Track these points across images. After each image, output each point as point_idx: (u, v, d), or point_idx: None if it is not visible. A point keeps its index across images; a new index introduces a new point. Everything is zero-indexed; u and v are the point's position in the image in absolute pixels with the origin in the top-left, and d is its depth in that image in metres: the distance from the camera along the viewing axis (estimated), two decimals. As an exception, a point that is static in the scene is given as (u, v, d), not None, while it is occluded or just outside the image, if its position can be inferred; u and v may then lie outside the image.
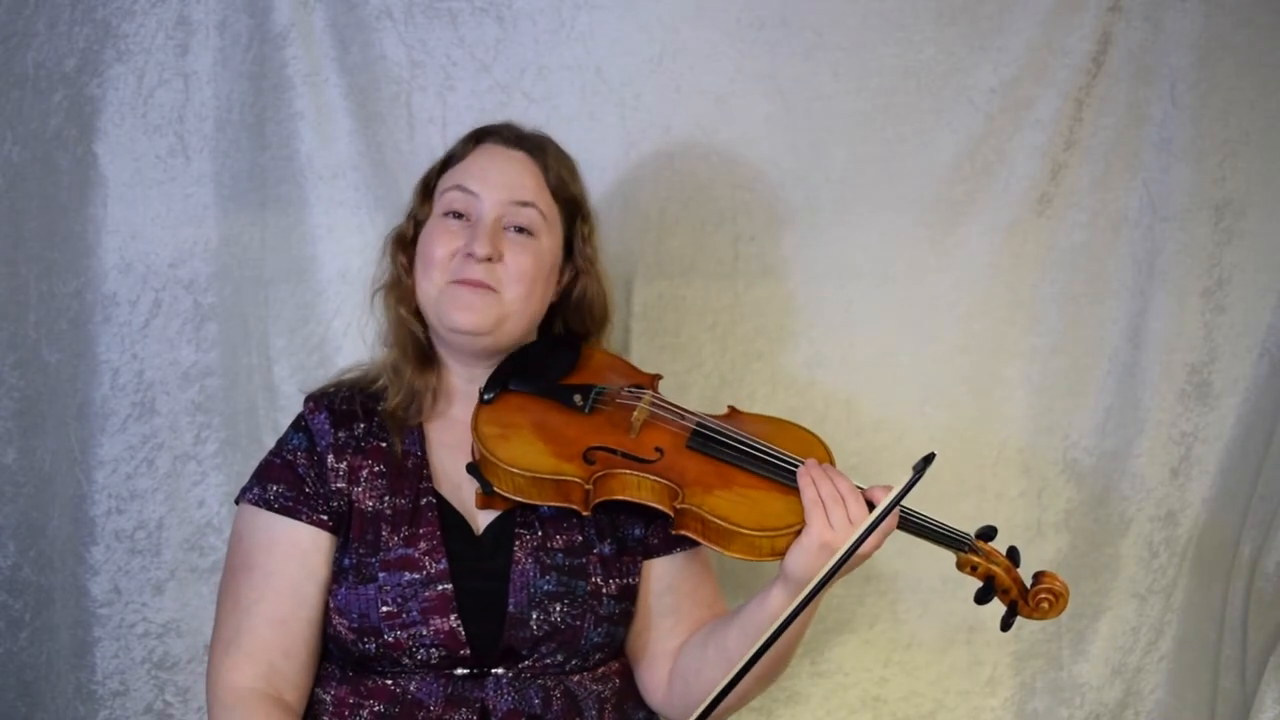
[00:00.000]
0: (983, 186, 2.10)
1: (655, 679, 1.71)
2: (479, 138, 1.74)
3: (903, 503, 1.55)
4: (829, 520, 1.52)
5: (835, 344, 2.11)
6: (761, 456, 1.62)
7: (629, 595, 1.67)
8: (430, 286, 1.67)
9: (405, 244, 1.75)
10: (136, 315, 2.04)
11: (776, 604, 1.55)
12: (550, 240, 1.71)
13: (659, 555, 1.70)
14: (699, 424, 1.66)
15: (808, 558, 1.52)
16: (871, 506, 1.54)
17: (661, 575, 1.71)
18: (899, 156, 2.09)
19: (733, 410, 1.76)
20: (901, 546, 2.13)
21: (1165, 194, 2.11)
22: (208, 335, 2.07)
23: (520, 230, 1.68)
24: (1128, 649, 2.18)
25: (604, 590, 1.64)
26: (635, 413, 1.66)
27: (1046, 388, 2.13)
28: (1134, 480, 2.15)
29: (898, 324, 2.11)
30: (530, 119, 2.03)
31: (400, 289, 1.74)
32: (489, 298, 1.66)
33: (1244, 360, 2.14)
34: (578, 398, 1.68)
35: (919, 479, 1.51)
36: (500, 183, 1.68)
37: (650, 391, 1.72)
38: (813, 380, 2.12)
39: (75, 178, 2.03)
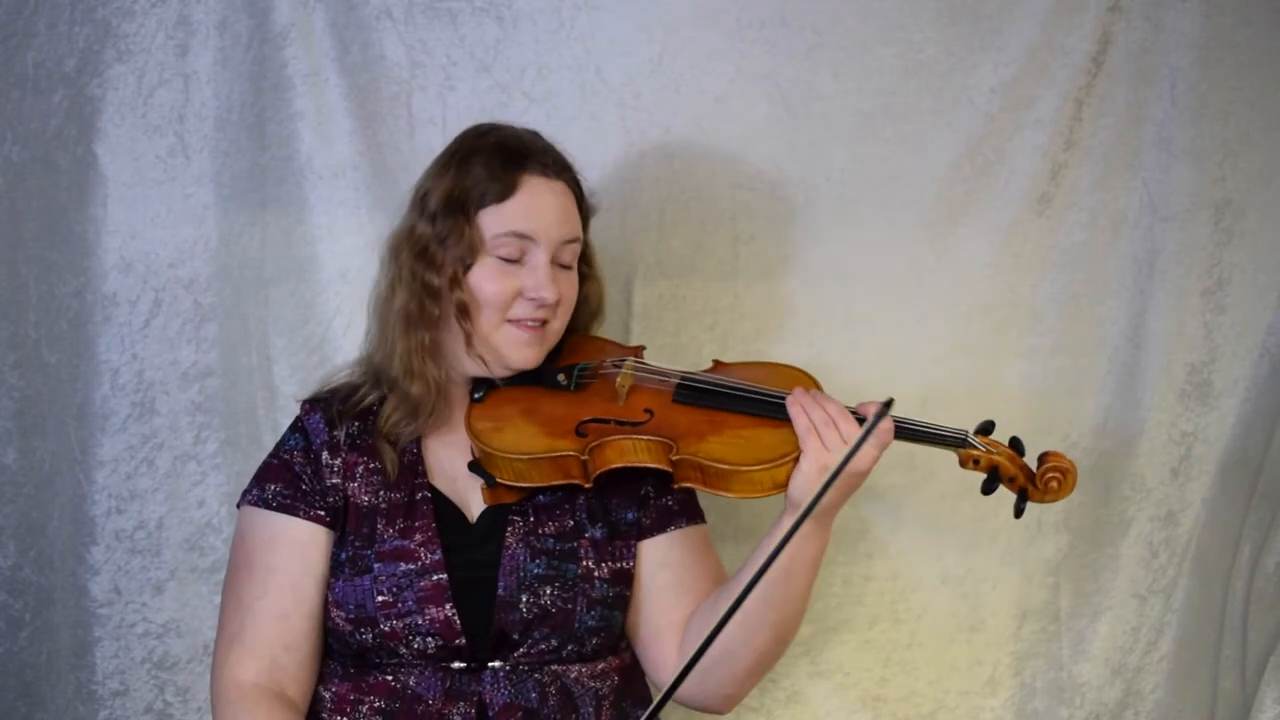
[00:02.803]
0: (983, 186, 2.10)
1: (664, 654, 1.71)
2: (517, 164, 1.67)
3: (897, 412, 1.55)
4: (824, 443, 1.54)
5: (835, 344, 2.11)
6: (746, 396, 1.64)
7: (623, 579, 1.68)
8: (485, 324, 1.66)
9: (445, 274, 1.65)
10: (136, 315, 2.05)
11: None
12: (576, 262, 1.74)
13: (652, 535, 1.72)
14: (683, 378, 1.69)
15: (810, 484, 1.53)
16: (862, 422, 1.55)
17: (656, 553, 1.72)
18: (899, 156, 2.09)
19: (717, 363, 1.80)
20: (902, 546, 2.14)
21: (1165, 194, 2.11)
22: (208, 335, 2.07)
23: (562, 263, 1.70)
24: (1128, 649, 2.17)
25: (596, 573, 1.65)
26: (618, 380, 1.70)
27: (1046, 388, 2.13)
28: (1134, 480, 2.15)
29: (898, 324, 2.11)
30: (530, 119, 2.02)
31: (435, 325, 1.67)
32: (545, 335, 1.69)
33: (1244, 360, 2.14)
34: (561, 377, 1.71)
35: (885, 414, 1.49)
36: (554, 221, 1.67)
37: (631, 358, 1.75)
38: (812, 380, 2.12)
39: (75, 178, 2.04)
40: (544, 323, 1.68)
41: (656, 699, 1.39)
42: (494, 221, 1.65)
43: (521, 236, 1.65)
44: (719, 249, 2.11)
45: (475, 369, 1.70)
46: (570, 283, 1.72)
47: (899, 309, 2.11)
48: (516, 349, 1.68)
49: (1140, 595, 2.17)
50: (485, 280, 1.66)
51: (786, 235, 2.10)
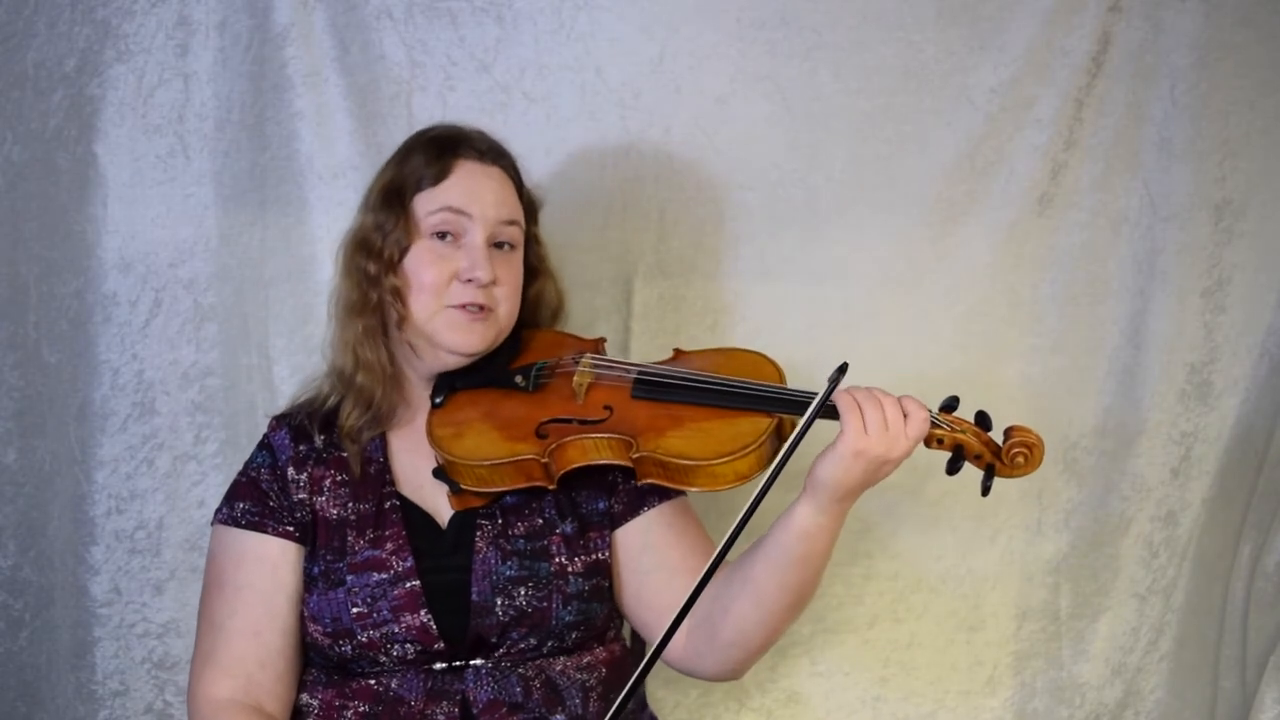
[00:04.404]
0: (983, 186, 2.10)
1: (676, 638, 1.68)
2: (451, 150, 1.70)
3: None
4: (865, 424, 1.50)
5: (835, 344, 2.11)
6: (703, 388, 1.62)
7: (598, 571, 1.68)
8: (422, 310, 1.66)
9: (382, 260, 1.67)
10: (136, 315, 2.05)
11: (803, 520, 1.54)
12: (521, 249, 1.74)
13: (626, 521, 1.71)
14: (640, 373, 1.67)
15: (839, 464, 1.50)
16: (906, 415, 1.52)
17: (634, 538, 1.71)
18: (899, 156, 2.09)
19: (678, 352, 1.77)
20: (902, 546, 2.14)
21: (1165, 194, 2.11)
22: (208, 335, 2.07)
23: (501, 246, 1.70)
24: (1128, 649, 2.18)
25: (569, 569, 1.65)
26: (576, 377, 1.68)
27: (1046, 388, 2.13)
28: (1134, 480, 2.15)
29: (898, 324, 2.11)
30: (530, 119, 2.04)
31: (374, 312, 1.69)
32: (488, 320, 1.68)
33: (1244, 360, 2.14)
34: (519, 378, 1.70)
35: (834, 388, 1.50)
36: (490, 202, 1.68)
37: (588, 354, 1.73)
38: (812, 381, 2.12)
39: (75, 178, 2.04)
40: (485, 309, 1.67)
41: (630, 681, 1.48)
42: (429, 201, 1.67)
43: (457, 211, 1.66)
44: (719, 249, 2.11)
45: (414, 359, 1.70)
46: (510, 267, 1.70)
47: (899, 309, 2.11)
48: (453, 333, 1.66)
49: (1140, 595, 2.17)
50: (421, 264, 1.66)
51: (786, 235, 2.10)
